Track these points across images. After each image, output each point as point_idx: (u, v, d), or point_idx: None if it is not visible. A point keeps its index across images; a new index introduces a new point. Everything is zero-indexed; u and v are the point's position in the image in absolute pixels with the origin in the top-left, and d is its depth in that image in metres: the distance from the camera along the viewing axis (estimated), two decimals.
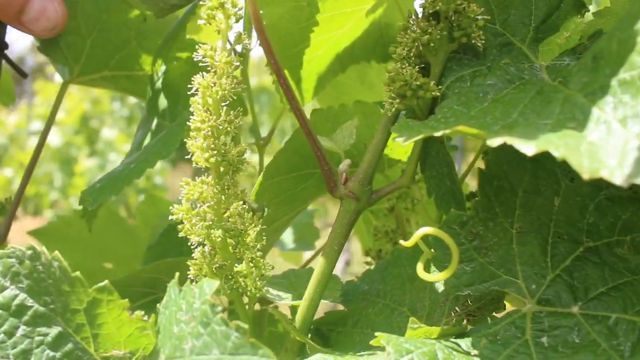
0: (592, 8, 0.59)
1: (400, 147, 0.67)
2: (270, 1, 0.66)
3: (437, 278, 0.48)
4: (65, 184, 4.70)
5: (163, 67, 0.81)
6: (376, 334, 0.47)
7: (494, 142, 0.40)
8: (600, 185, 0.51)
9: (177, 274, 0.48)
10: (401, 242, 0.47)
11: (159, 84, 0.80)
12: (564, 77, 0.47)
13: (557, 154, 0.37)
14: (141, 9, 0.83)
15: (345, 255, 3.64)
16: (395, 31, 0.75)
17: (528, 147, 0.38)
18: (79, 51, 0.84)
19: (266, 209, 0.67)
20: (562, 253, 0.51)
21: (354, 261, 4.05)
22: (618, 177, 0.36)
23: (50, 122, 0.84)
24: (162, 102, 0.79)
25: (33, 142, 5.15)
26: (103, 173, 0.84)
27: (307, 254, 1.06)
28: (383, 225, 0.76)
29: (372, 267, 0.70)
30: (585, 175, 0.36)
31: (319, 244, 1.01)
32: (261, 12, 0.69)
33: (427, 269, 0.53)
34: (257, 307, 0.69)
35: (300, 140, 0.64)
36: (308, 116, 0.65)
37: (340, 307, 0.68)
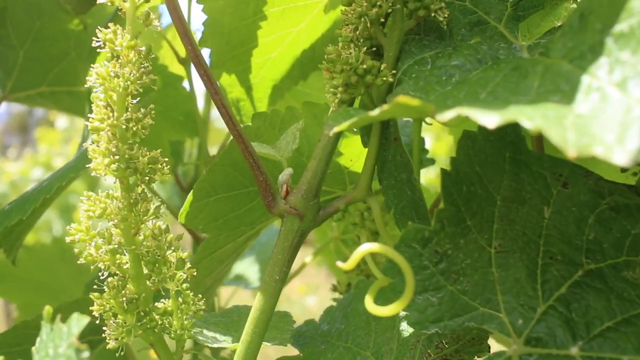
0: None
1: (362, 159, 0.56)
2: None
3: (388, 311, 0.36)
4: (64, 231, 4.60)
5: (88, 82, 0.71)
6: None
7: (444, 116, 0.29)
8: (601, 192, 0.40)
9: (48, 307, 0.37)
10: (338, 263, 0.36)
11: None
12: (545, 47, 0.37)
13: (529, 124, 0.26)
14: (81, 17, 0.74)
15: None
16: None
17: (489, 118, 0.27)
18: (10, 64, 0.74)
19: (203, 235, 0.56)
20: (556, 278, 0.39)
21: None
22: (618, 154, 0.25)
23: None
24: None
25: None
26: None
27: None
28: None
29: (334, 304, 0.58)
30: (572, 153, 0.25)
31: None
32: (201, 6, 0.59)
33: (389, 300, 0.42)
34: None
35: (240, 152, 0.53)
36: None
37: (296, 352, 0.56)
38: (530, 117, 0.27)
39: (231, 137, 0.56)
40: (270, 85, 0.65)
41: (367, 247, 0.35)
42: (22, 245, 0.72)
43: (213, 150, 0.84)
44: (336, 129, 0.33)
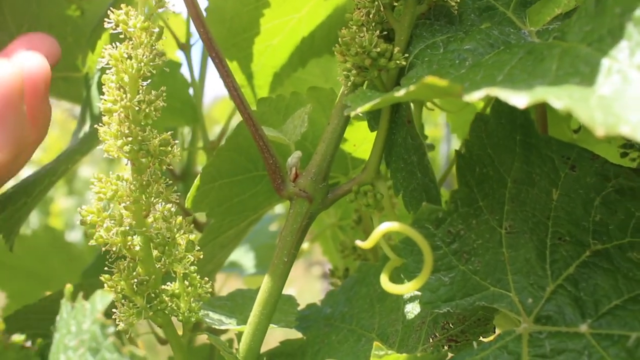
0: None
1: (366, 144, 0.57)
2: None
3: (405, 289, 0.37)
4: (41, 223, 4.55)
5: (99, 64, 0.71)
6: None
7: (473, 96, 0.29)
8: (607, 175, 0.41)
9: (69, 285, 0.37)
10: (358, 242, 0.37)
11: (93, 82, 0.70)
12: (560, 31, 0.38)
13: (559, 104, 0.27)
14: (78, 2, 0.73)
15: (326, 281, 3.46)
16: None
17: (519, 98, 0.28)
18: None
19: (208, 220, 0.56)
20: (565, 258, 0.40)
21: None
22: None
23: None
24: (97, 102, 0.69)
25: (10, 181, 5.01)
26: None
27: None
28: (350, 240, 0.65)
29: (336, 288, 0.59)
30: (600, 131, 0.26)
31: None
32: None
33: (395, 282, 0.43)
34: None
35: (246, 136, 0.53)
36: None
37: (299, 335, 0.56)
38: (558, 97, 0.27)
39: (235, 122, 0.56)
40: (271, 73, 0.66)
41: (386, 226, 0.36)
42: None
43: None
44: (359, 110, 0.34)
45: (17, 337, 0.38)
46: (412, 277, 0.40)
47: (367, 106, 0.33)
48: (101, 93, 0.69)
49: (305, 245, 0.79)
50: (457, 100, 0.65)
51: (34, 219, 4.73)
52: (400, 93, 0.31)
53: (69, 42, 0.75)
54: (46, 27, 0.74)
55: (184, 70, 0.96)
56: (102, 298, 0.35)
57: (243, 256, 0.92)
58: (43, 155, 5.17)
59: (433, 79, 0.29)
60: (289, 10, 0.61)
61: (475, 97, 0.29)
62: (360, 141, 0.55)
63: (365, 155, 0.57)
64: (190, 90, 0.77)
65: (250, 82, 0.65)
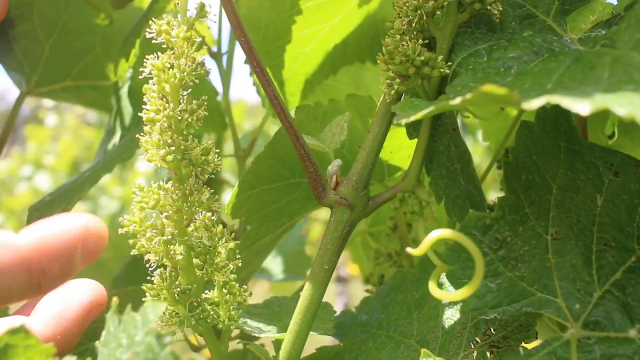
0: None
1: (403, 152, 0.57)
2: None
3: (456, 296, 0.37)
4: None
5: (129, 72, 0.71)
6: None
7: (532, 104, 0.29)
8: None
9: (116, 299, 0.37)
10: (408, 249, 0.37)
11: (124, 91, 0.71)
12: (609, 39, 0.38)
13: (622, 112, 0.27)
14: (107, 10, 0.74)
15: (343, 298, 3.45)
16: None
17: (581, 105, 0.28)
18: (36, 58, 0.74)
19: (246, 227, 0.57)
20: (611, 264, 0.40)
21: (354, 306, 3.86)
22: None
23: (6, 133, 0.73)
24: (128, 110, 0.69)
25: (23, 188, 5.05)
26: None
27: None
28: (385, 247, 0.65)
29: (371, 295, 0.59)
30: None
31: None
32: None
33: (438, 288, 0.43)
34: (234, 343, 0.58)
35: (283, 143, 0.54)
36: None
37: (335, 342, 0.57)
38: (620, 104, 0.28)
39: (273, 131, 0.56)
40: (302, 80, 0.66)
41: (438, 233, 0.36)
42: None
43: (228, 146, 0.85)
44: (412, 118, 0.34)
45: (70, 358, 0.38)
46: (459, 284, 0.40)
47: (420, 114, 0.33)
48: (133, 102, 0.70)
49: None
50: (491, 108, 0.66)
51: None
52: (456, 101, 0.31)
53: (98, 51, 0.76)
54: (75, 36, 0.74)
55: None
56: (154, 308, 0.35)
57: (271, 262, 0.92)
58: (57, 161, 5.20)
59: (491, 87, 0.29)
60: (321, 18, 0.61)
61: (534, 105, 0.29)
62: (397, 148, 0.55)
63: (401, 162, 0.57)
64: (218, 98, 0.77)
65: (282, 89, 0.65)
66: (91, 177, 0.57)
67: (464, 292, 0.37)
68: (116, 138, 0.70)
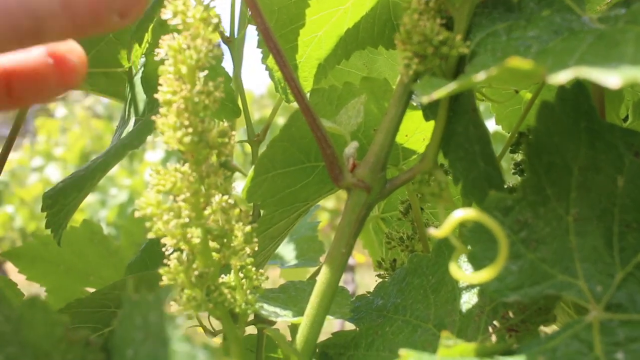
0: None
1: (418, 135, 0.56)
2: None
3: (479, 278, 0.36)
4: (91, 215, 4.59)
5: (142, 59, 0.71)
6: (400, 352, 0.36)
7: (559, 77, 0.29)
8: None
9: (131, 280, 0.37)
10: (431, 230, 0.36)
11: (137, 78, 0.70)
12: (632, 16, 0.37)
13: None
14: None
15: (350, 287, 3.45)
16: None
17: (612, 78, 0.27)
18: None
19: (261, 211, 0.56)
20: (633, 245, 0.40)
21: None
22: None
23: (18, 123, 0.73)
24: (141, 97, 0.69)
25: (33, 178, 5.07)
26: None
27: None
28: (397, 232, 0.65)
29: (387, 279, 0.59)
30: None
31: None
32: None
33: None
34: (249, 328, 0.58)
35: (299, 127, 0.53)
36: None
37: (350, 327, 0.56)
38: None
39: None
40: (315, 64, 0.65)
41: (461, 214, 0.35)
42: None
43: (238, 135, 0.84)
44: (435, 96, 0.33)
45: (82, 333, 0.38)
46: (480, 266, 0.39)
47: (443, 92, 0.33)
48: (146, 89, 0.70)
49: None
50: (504, 91, 0.65)
51: None
52: (481, 76, 0.31)
53: (110, 37, 0.75)
54: None
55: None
56: (166, 290, 0.35)
57: (283, 248, 0.92)
58: (66, 152, 5.21)
59: (517, 61, 0.29)
60: (335, 1, 0.60)
61: (561, 78, 0.29)
62: (412, 132, 0.55)
63: (416, 146, 0.57)
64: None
65: (295, 73, 0.65)
66: (102, 164, 0.57)
67: (487, 274, 0.36)
68: (130, 125, 0.69)
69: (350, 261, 3.25)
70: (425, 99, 0.34)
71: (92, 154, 5.25)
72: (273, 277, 1.09)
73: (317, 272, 0.78)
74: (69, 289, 0.97)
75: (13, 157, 5.81)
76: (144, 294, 0.37)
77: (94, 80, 0.78)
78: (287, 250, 0.91)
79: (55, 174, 4.87)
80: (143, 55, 0.70)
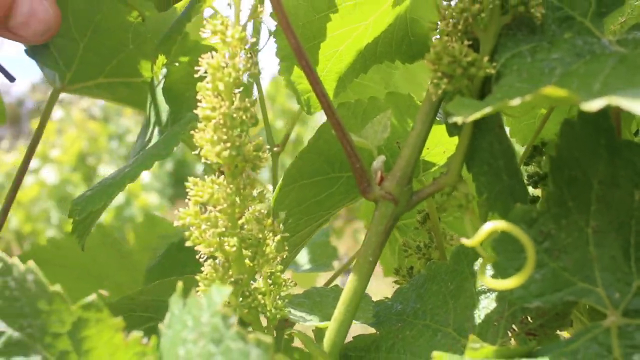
0: None
1: (439, 148, 0.59)
2: None
3: (507, 285, 0.39)
4: (62, 221, 4.60)
5: (164, 70, 0.73)
6: (434, 354, 0.38)
7: (592, 104, 0.31)
8: None
9: (180, 283, 0.39)
10: (463, 240, 0.39)
11: (159, 89, 0.73)
12: None
13: None
14: (140, 9, 0.76)
15: (346, 276, 3.46)
16: (421, 29, 0.68)
17: (638, 105, 0.30)
18: (71, 56, 0.76)
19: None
20: None
21: None
22: None
23: (40, 130, 0.75)
24: (164, 107, 0.71)
25: (29, 180, 5.06)
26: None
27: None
28: (414, 240, 0.67)
29: (404, 285, 0.61)
30: None
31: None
32: None
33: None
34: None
35: (326, 139, 0.56)
36: None
37: (370, 331, 0.59)
38: None
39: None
40: (335, 78, 0.68)
41: (493, 225, 0.38)
42: (64, 231, 0.74)
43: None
44: (471, 118, 0.36)
45: (136, 334, 0.40)
46: (504, 274, 0.42)
47: (478, 114, 0.35)
48: (168, 99, 0.72)
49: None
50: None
51: (54, 218, 4.77)
52: (516, 101, 0.34)
53: (131, 48, 0.77)
54: (108, 34, 0.76)
55: None
56: (219, 291, 0.37)
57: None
58: (62, 154, 5.19)
59: (552, 89, 0.31)
60: (357, 18, 0.63)
61: (595, 106, 0.31)
62: (433, 144, 0.57)
63: (436, 158, 0.59)
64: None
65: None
66: (130, 172, 0.59)
67: (514, 281, 0.39)
68: (152, 134, 0.72)
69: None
70: (460, 120, 0.37)
71: (88, 156, 5.25)
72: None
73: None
74: (84, 293, 0.99)
75: (9, 159, 5.80)
76: (194, 297, 0.39)
77: (113, 89, 0.80)
78: (301, 255, 0.94)
79: (51, 176, 4.87)
80: (164, 67, 0.73)
